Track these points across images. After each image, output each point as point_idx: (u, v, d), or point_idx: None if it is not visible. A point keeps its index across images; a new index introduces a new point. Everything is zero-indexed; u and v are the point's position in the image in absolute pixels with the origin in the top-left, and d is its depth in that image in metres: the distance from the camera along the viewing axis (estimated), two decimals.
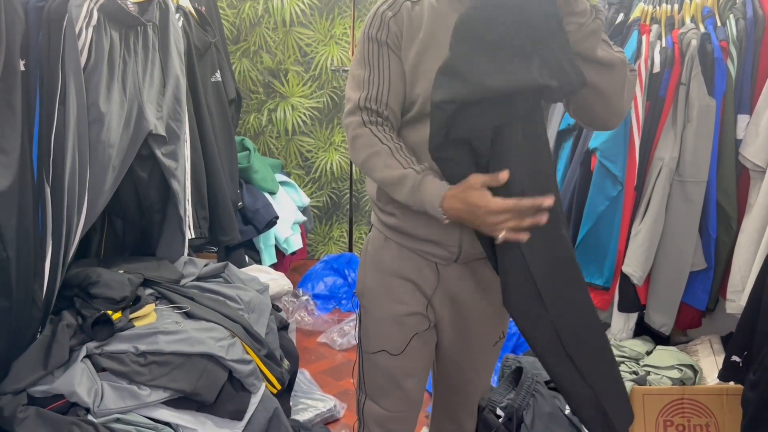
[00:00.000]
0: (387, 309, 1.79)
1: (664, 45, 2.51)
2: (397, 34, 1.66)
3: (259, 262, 3.54)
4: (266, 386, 2.25)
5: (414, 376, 1.86)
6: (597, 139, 2.58)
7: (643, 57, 2.51)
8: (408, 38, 1.65)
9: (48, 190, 2.06)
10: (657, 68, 2.49)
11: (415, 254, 1.75)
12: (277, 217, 3.51)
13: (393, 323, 1.79)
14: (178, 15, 2.76)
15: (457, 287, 1.77)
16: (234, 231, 3.08)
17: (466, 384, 1.95)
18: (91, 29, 2.15)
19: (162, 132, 2.49)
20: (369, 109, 1.66)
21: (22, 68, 1.98)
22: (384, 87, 1.66)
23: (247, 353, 2.23)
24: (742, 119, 2.46)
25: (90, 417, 1.97)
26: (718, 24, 2.50)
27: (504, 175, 1.51)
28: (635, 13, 2.68)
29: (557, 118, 2.98)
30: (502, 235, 1.52)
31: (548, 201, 1.50)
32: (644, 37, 2.54)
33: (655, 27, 2.57)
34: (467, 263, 1.76)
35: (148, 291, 2.37)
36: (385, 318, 1.79)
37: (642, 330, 2.72)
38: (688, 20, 2.56)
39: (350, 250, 4.63)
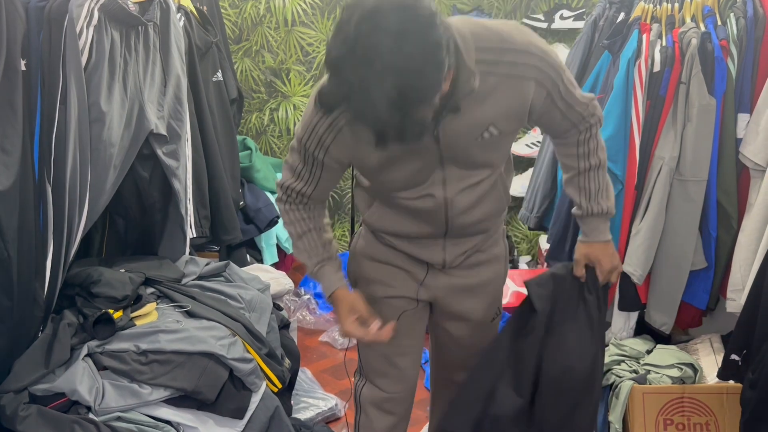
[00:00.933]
0: (376, 290, 1.87)
1: (664, 44, 2.51)
2: (339, 159, 1.64)
3: (260, 261, 3.54)
4: (267, 385, 2.26)
5: (406, 354, 1.95)
6: None
7: (643, 56, 2.51)
8: (360, 154, 1.62)
9: (49, 190, 2.07)
10: (657, 67, 2.49)
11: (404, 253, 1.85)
12: (278, 216, 3.51)
13: (382, 303, 1.86)
14: (179, 15, 2.76)
15: (448, 273, 1.86)
16: (235, 230, 3.09)
17: (464, 366, 1.97)
18: (91, 29, 2.16)
19: (163, 131, 2.50)
20: (290, 196, 1.75)
21: (23, 68, 1.98)
22: (311, 187, 1.72)
23: (248, 352, 2.24)
24: (743, 118, 2.45)
25: (91, 415, 1.97)
26: (719, 23, 2.50)
27: (373, 329, 1.70)
28: (636, 12, 2.68)
29: None
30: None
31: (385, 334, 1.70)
32: (644, 36, 2.54)
33: (655, 26, 2.57)
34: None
35: (150, 290, 2.38)
36: (374, 298, 1.86)
37: (642, 329, 2.72)
38: (688, 19, 2.55)
39: None
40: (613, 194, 1.85)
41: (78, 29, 2.10)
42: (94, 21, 2.16)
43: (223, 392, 2.11)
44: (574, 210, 1.86)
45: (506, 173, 1.80)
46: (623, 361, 2.54)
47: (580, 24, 3.68)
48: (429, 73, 1.27)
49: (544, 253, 3.44)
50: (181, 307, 2.32)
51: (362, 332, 1.72)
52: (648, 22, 2.61)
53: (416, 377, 2.02)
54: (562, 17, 3.79)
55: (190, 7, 2.98)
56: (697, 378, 2.44)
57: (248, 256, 3.46)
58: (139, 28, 2.40)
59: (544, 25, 3.82)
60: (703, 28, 2.50)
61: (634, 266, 2.56)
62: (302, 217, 1.77)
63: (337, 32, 1.28)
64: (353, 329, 1.72)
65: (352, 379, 2.07)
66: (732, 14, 2.49)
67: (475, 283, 1.86)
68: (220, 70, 3.16)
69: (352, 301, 1.76)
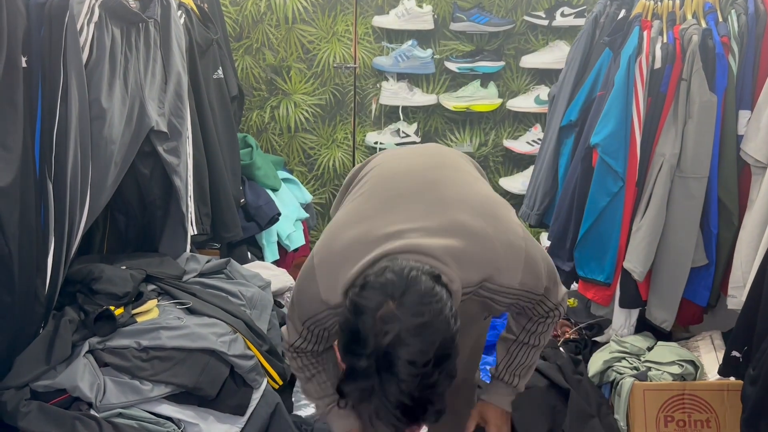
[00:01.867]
0: None
1: (665, 41, 2.51)
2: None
3: (261, 258, 3.54)
4: (268, 382, 2.26)
5: None
6: (598, 135, 2.58)
7: (644, 53, 2.51)
8: None
9: (50, 186, 2.07)
10: (658, 64, 2.49)
11: None
12: (279, 214, 3.51)
13: None
14: (180, 12, 2.76)
15: None
16: (236, 227, 3.08)
17: (464, 369, 1.96)
18: (92, 26, 2.16)
19: (164, 128, 2.50)
20: (301, 352, 1.74)
21: (24, 65, 1.98)
22: (321, 345, 1.72)
23: (249, 349, 2.24)
24: (743, 115, 2.46)
25: (92, 412, 1.98)
26: (720, 20, 2.50)
27: None
28: (637, 9, 2.68)
29: (559, 114, 2.98)
30: None
31: None
32: (645, 33, 2.54)
33: (656, 23, 2.57)
34: None
35: (151, 287, 2.38)
36: None
37: (643, 326, 2.72)
38: (689, 16, 2.55)
39: None
40: (530, 376, 1.86)
41: (79, 26, 2.10)
42: (95, 18, 2.16)
43: (224, 389, 2.11)
44: (489, 368, 1.91)
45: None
46: (624, 358, 2.54)
47: (581, 21, 3.67)
48: (443, 391, 1.34)
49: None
50: (182, 304, 2.32)
51: None
52: (649, 18, 2.61)
53: None
54: (563, 14, 3.79)
55: (191, 4, 2.98)
56: (697, 375, 2.44)
57: (249, 254, 3.45)
58: (140, 25, 2.40)
59: (545, 23, 3.81)
60: (704, 25, 2.50)
61: (635, 263, 2.56)
62: (310, 363, 1.78)
63: (359, 341, 1.32)
64: None
65: None
66: (733, 11, 2.49)
67: None
68: (220, 68, 3.16)
69: None
